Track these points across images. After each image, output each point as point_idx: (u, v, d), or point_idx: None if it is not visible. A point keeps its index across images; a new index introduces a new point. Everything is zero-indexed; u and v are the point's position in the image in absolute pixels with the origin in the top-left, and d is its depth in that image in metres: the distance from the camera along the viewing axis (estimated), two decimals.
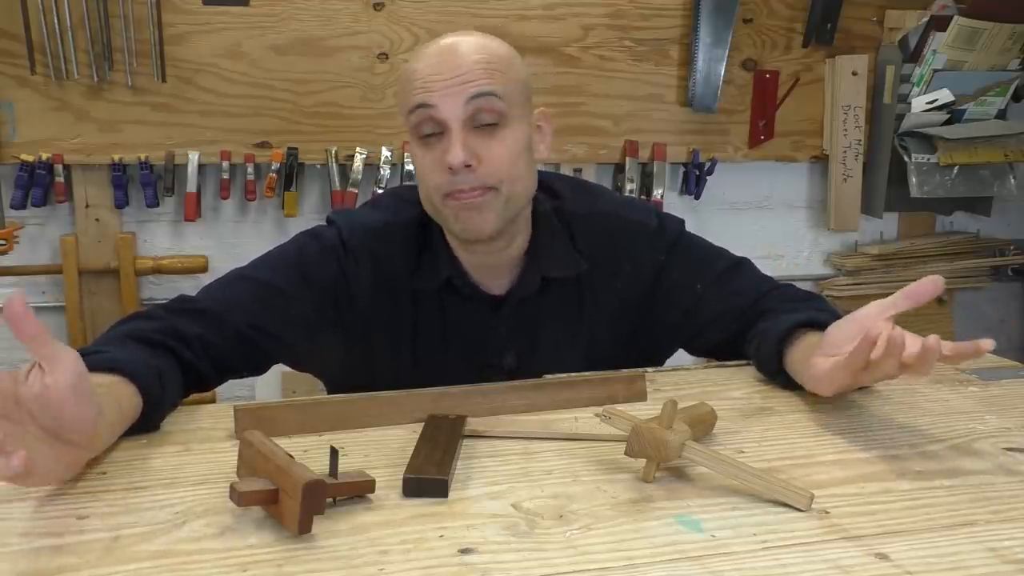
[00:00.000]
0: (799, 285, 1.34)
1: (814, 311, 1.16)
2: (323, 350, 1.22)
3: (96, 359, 0.96)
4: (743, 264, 1.30)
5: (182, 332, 1.10)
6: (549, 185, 1.27)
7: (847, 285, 2.77)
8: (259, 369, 1.20)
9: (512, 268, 1.23)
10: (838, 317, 1.19)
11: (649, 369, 1.23)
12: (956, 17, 2.50)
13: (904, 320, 0.99)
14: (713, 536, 0.78)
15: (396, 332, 1.23)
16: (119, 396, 0.94)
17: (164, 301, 1.19)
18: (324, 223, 1.28)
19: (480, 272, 1.22)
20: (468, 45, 1.11)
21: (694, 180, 2.60)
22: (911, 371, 0.94)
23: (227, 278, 1.21)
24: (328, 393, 1.33)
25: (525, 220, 1.21)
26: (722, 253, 1.31)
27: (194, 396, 1.13)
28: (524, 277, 1.22)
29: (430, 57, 1.11)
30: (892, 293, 1.04)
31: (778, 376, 1.13)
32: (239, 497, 0.77)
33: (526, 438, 0.99)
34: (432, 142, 1.12)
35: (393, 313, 1.22)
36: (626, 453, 0.89)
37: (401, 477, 0.86)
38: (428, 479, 0.85)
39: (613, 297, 1.26)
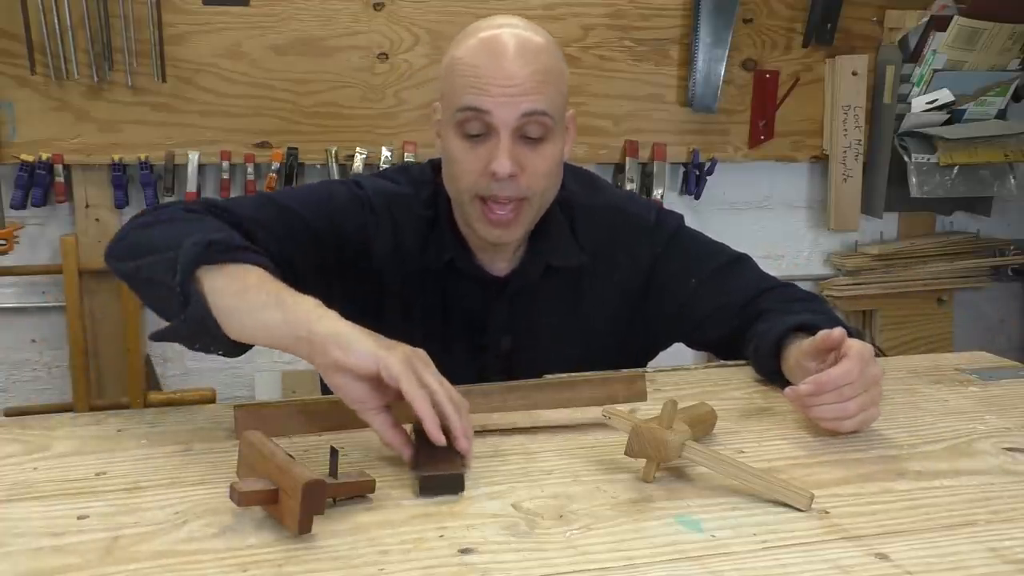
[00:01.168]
0: (799, 285, 1.34)
1: (811, 313, 1.16)
2: (331, 292, 1.15)
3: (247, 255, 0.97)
4: (742, 260, 1.30)
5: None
6: None
7: (847, 285, 2.77)
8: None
9: (515, 251, 1.24)
10: (835, 318, 1.19)
11: (649, 369, 1.24)
12: (956, 17, 2.50)
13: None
14: (713, 536, 0.78)
15: (400, 300, 1.24)
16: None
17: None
18: (349, 180, 1.28)
19: (484, 253, 1.23)
20: (523, 48, 1.11)
21: (694, 180, 2.60)
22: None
23: (258, 198, 1.19)
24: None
25: None
26: (722, 249, 1.31)
27: (194, 396, 1.13)
28: (526, 261, 1.24)
29: (483, 55, 1.11)
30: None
31: (775, 377, 1.13)
32: (239, 497, 0.77)
33: (524, 432, 0.99)
34: (475, 140, 1.13)
35: (402, 282, 1.23)
36: (626, 453, 0.89)
37: (400, 477, 0.86)
38: (445, 476, 0.85)
39: (611, 289, 1.27)
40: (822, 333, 1.01)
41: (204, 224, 1.03)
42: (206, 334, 0.94)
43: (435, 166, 1.26)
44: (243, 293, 0.92)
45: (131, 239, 1.05)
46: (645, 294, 1.28)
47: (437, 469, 0.86)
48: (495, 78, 1.09)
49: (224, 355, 0.99)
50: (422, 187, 1.26)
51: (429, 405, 0.87)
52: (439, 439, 0.87)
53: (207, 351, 0.98)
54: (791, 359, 1.10)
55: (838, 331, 1.00)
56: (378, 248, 1.22)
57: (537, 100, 1.10)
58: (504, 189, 1.12)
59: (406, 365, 0.87)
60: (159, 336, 0.98)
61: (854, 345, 0.99)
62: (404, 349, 0.90)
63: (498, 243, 1.18)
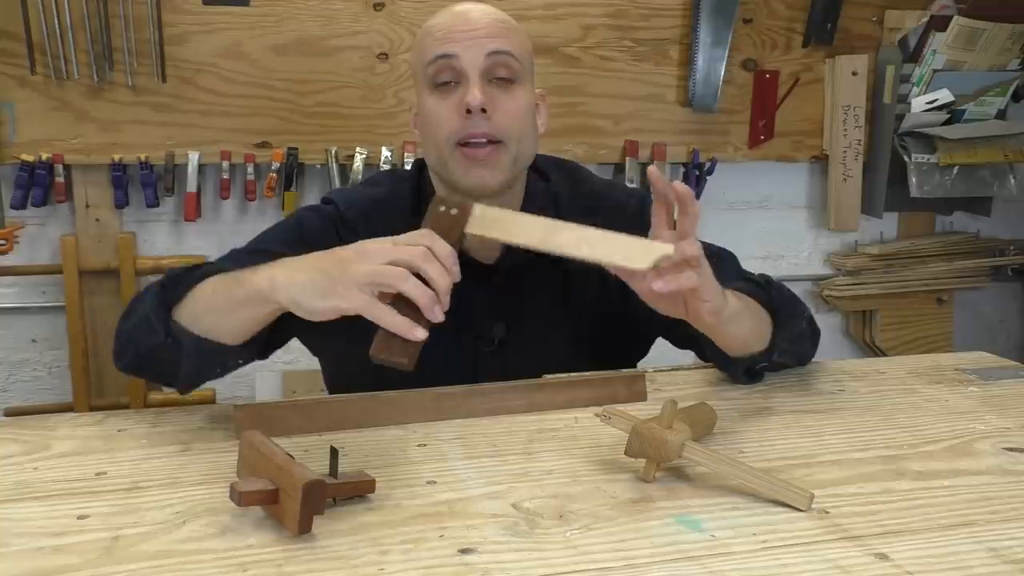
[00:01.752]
0: (799, 285, 1.33)
1: (745, 282, 1.15)
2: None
3: (216, 267, 1.05)
4: (722, 256, 1.30)
5: None
6: (538, 167, 1.30)
7: (847, 285, 2.76)
8: (263, 348, 1.15)
9: None
10: (775, 288, 1.17)
11: (649, 369, 1.24)
12: (956, 17, 2.50)
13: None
14: (713, 536, 0.78)
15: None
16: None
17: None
18: (321, 202, 1.30)
19: (472, 239, 1.23)
20: (484, 9, 1.19)
21: (694, 180, 2.60)
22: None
23: (229, 254, 1.21)
24: (322, 364, 1.36)
25: (520, 188, 1.25)
26: (703, 244, 1.30)
27: (195, 395, 1.13)
28: (513, 248, 1.23)
29: (449, 15, 1.18)
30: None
31: (728, 366, 1.14)
32: (239, 497, 0.77)
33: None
34: (448, 90, 1.16)
35: None
36: (626, 453, 0.89)
37: (400, 477, 0.86)
38: (392, 361, 0.87)
39: (597, 275, 1.26)
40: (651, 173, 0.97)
41: (154, 288, 1.08)
42: (214, 355, 1.02)
43: (421, 161, 1.28)
44: (209, 310, 1.01)
45: (120, 339, 1.11)
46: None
47: (391, 353, 0.87)
48: (459, 26, 1.16)
49: (246, 362, 1.07)
50: (403, 182, 1.28)
51: (394, 316, 0.87)
52: (412, 334, 0.87)
53: (235, 367, 1.07)
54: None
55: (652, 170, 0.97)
56: None
57: (502, 42, 1.16)
58: (478, 125, 1.14)
59: (360, 300, 0.88)
60: (183, 386, 1.07)
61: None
62: (348, 281, 0.89)
63: (480, 188, 1.16)
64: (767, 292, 1.15)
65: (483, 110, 1.13)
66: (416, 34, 2.31)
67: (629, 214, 1.28)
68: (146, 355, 1.06)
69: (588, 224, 1.21)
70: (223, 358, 1.04)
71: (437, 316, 0.88)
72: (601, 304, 1.28)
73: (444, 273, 0.89)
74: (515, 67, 1.17)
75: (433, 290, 0.89)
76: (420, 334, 0.87)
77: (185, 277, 1.05)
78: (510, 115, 1.16)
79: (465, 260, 1.22)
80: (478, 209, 0.95)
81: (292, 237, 1.22)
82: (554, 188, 1.29)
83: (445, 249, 0.91)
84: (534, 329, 1.25)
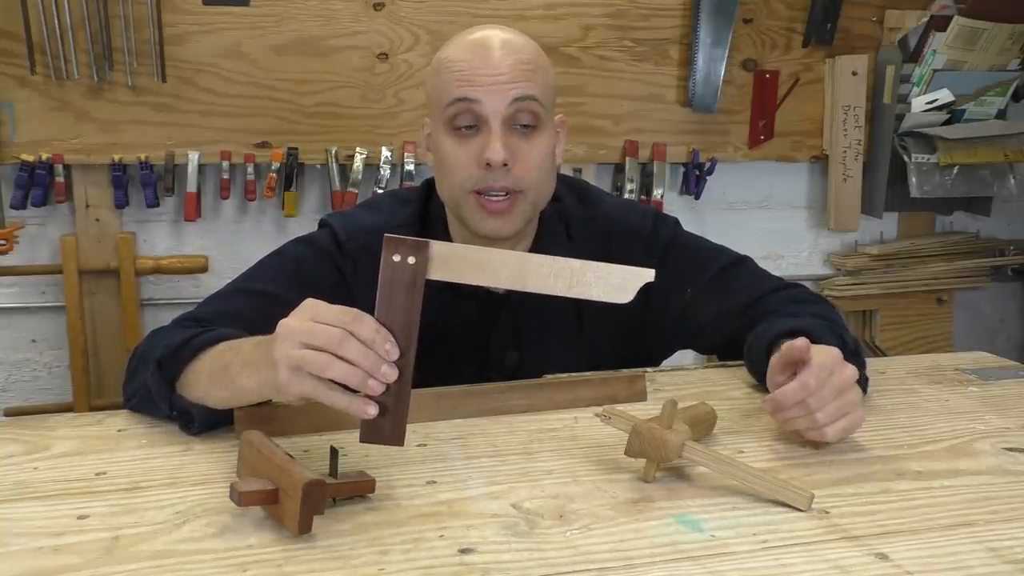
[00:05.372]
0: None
1: (811, 317, 1.15)
2: None
3: (206, 337, 1.00)
4: (741, 263, 1.29)
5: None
6: None
7: (847, 285, 2.76)
8: None
9: None
10: (837, 322, 1.18)
11: (649, 369, 1.24)
12: (956, 17, 2.50)
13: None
14: (713, 536, 0.78)
15: None
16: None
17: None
18: (317, 225, 1.27)
19: None
20: (509, 43, 1.14)
21: (694, 180, 2.60)
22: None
23: (222, 293, 1.19)
24: None
25: (533, 222, 1.22)
26: (719, 253, 1.30)
27: None
28: None
29: (471, 50, 1.13)
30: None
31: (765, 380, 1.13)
32: (239, 497, 0.77)
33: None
34: (467, 135, 1.13)
35: None
36: (626, 453, 0.89)
37: (400, 477, 0.86)
38: (382, 438, 0.85)
39: None
40: (785, 345, 0.98)
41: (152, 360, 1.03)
42: (223, 414, 0.99)
43: (429, 183, 1.25)
44: (209, 395, 0.97)
45: (129, 401, 1.09)
46: (645, 303, 1.27)
47: (374, 436, 0.84)
48: (482, 68, 1.11)
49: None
50: (405, 206, 1.25)
51: (341, 397, 0.83)
52: (365, 413, 0.83)
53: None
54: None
55: (800, 341, 0.95)
56: (360, 287, 1.19)
57: (526, 87, 1.12)
58: (498, 179, 1.12)
59: (307, 386, 0.83)
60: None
61: (815, 355, 0.95)
62: (281, 366, 0.84)
63: (496, 236, 1.15)
64: (843, 342, 1.11)
65: (505, 164, 1.11)
66: (417, 35, 2.35)
67: (644, 236, 1.27)
68: (155, 414, 1.05)
69: (600, 250, 1.22)
70: (231, 412, 1.00)
71: (375, 389, 0.82)
72: (617, 324, 1.26)
73: (367, 353, 0.82)
74: (539, 112, 1.13)
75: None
76: (372, 410, 0.82)
77: (182, 351, 1.00)
78: (531, 165, 1.13)
79: (476, 291, 1.22)
80: (436, 249, 0.85)
81: (290, 278, 1.18)
82: (566, 209, 1.27)
83: (368, 329, 0.83)
84: (548, 355, 1.24)
